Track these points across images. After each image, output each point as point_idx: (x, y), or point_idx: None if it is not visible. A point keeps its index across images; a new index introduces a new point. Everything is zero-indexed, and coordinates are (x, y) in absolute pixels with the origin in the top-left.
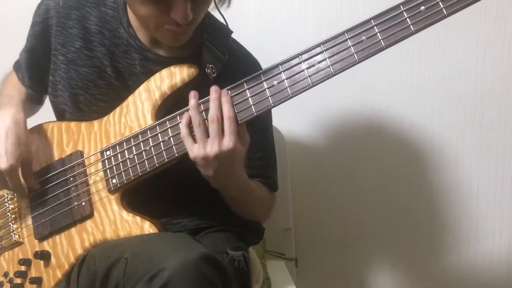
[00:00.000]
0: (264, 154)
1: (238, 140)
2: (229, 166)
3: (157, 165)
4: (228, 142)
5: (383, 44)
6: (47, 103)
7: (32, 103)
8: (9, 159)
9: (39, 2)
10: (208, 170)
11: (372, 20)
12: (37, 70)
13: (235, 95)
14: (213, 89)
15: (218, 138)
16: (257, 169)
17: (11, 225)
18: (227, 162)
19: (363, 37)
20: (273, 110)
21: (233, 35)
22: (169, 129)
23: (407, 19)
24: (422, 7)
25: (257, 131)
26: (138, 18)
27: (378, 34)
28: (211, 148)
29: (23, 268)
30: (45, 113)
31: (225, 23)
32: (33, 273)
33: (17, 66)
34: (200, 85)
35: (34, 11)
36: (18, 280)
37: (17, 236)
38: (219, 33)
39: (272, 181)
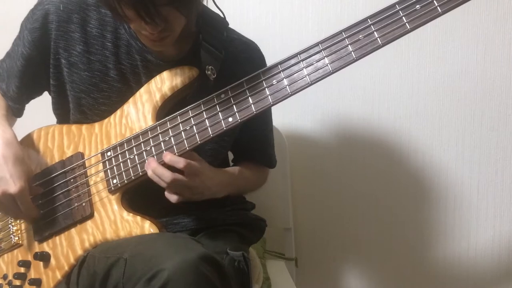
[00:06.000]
0: (264, 135)
1: (197, 169)
2: (207, 184)
3: None
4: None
5: (380, 42)
6: (49, 106)
7: (11, 116)
8: (16, 182)
9: (31, 8)
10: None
11: (368, 19)
12: (30, 78)
13: (235, 94)
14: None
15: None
16: (259, 149)
17: (11, 227)
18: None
19: (360, 36)
20: (273, 111)
21: None
22: (169, 129)
23: (403, 17)
24: (417, 6)
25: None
26: None
27: (374, 32)
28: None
29: (22, 269)
30: (47, 115)
31: (222, 15)
32: (32, 274)
33: None
34: (201, 87)
35: (25, 18)
36: (17, 282)
37: (17, 238)
38: (214, 29)
39: (271, 158)
